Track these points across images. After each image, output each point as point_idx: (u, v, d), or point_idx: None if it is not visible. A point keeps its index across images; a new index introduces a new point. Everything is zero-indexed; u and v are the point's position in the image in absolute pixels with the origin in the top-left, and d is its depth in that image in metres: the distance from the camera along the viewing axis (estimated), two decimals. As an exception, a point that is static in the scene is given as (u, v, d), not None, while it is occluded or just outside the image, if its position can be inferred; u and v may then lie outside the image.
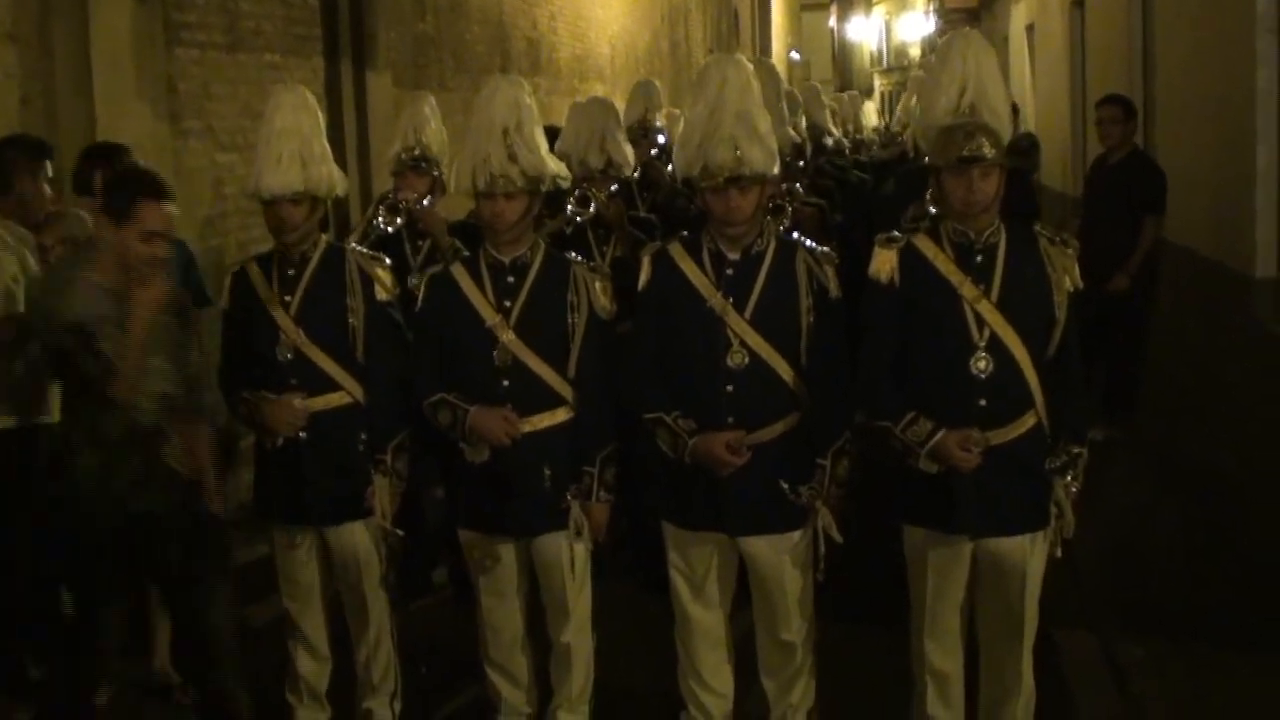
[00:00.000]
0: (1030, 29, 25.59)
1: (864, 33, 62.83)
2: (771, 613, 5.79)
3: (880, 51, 62.40)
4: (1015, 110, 17.27)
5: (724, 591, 5.89)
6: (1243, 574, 7.45)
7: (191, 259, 6.27)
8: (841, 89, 43.15)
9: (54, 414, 6.57)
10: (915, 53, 53.65)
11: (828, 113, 13.89)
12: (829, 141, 13.16)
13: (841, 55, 61.05)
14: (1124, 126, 10.68)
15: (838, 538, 5.59)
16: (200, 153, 9.43)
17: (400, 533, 6.11)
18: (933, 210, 5.64)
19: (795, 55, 47.36)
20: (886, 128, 22.59)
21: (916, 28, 53.63)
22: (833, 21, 59.55)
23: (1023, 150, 15.14)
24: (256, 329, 6.02)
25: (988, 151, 5.20)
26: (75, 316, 5.30)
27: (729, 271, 5.57)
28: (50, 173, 6.88)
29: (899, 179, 9.32)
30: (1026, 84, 25.19)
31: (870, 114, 21.94)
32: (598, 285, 5.82)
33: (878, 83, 59.62)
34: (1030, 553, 5.41)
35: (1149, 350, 10.52)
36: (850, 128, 17.19)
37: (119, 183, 5.59)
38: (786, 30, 47.12)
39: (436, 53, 13.81)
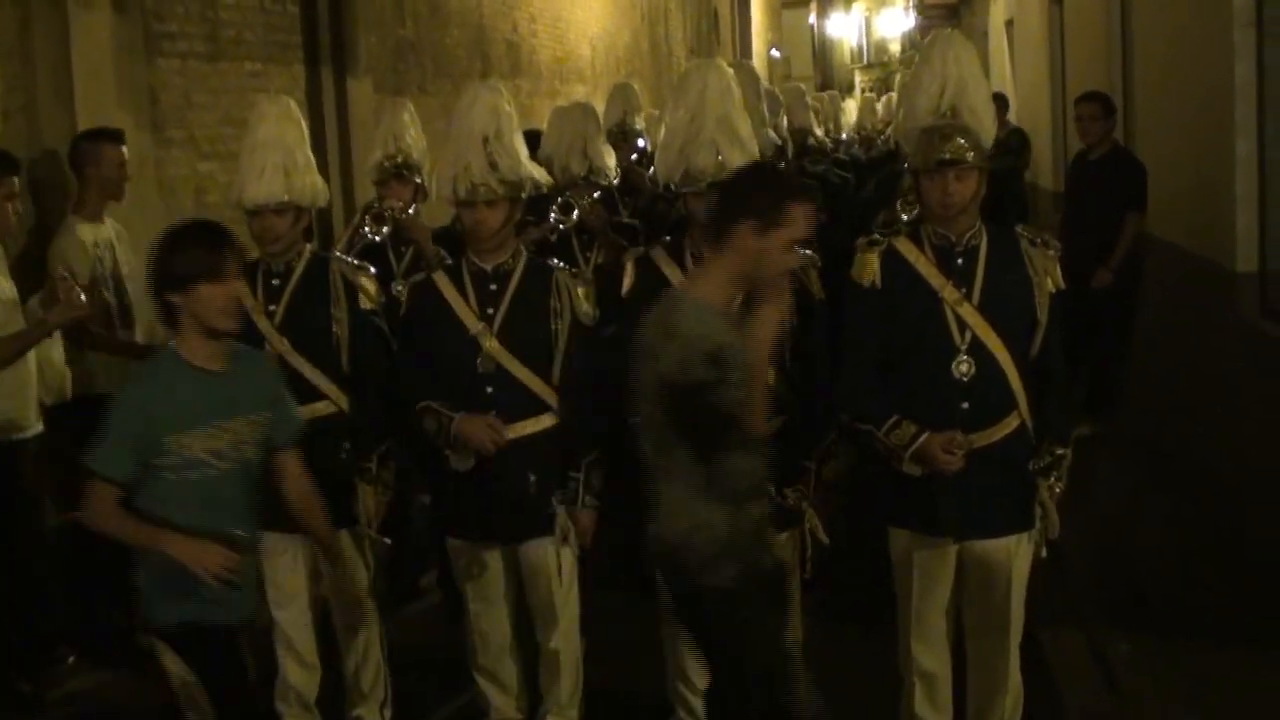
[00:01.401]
0: (1009, 24, 25.58)
1: (844, 29, 62.77)
2: (759, 615, 5.80)
3: (860, 48, 62.41)
4: (1005, 103, 17.31)
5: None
6: (1231, 568, 7.47)
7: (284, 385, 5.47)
8: (822, 86, 43.10)
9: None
10: (895, 49, 53.72)
11: (811, 114, 13.89)
12: (811, 141, 13.16)
13: (822, 52, 60.91)
14: (1103, 123, 10.72)
15: (824, 539, 5.62)
16: (182, 162, 9.42)
17: (387, 540, 6.13)
18: (904, 217, 5.64)
19: (776, 53, 47.26)
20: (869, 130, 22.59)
21: (896, 24, 53.67)
22: (813, 19, 59.44)
23: (1012, 149, 15.09)
24: (241, 339, 6.02)
25: (967, 155, 5.22)
26: (713, 345, 4.48)
27: (712, 276, 5.58)
28: (18, 188, 6.90)
29: (879, 183, 9.35)
30: (1007, 79, 25.17)
31: (851, 112, 21.90)
32: (580, 291, 5.84)
33: (858, 79, 59.61)
34: (1015, 554, 5.42)
35: (1133, 345, 10.55)
36: (831, 126, 17.19)
37: (762, 183, 4.80)
38: (767, 28, 47.01)
39: (416, 57, 13.80)
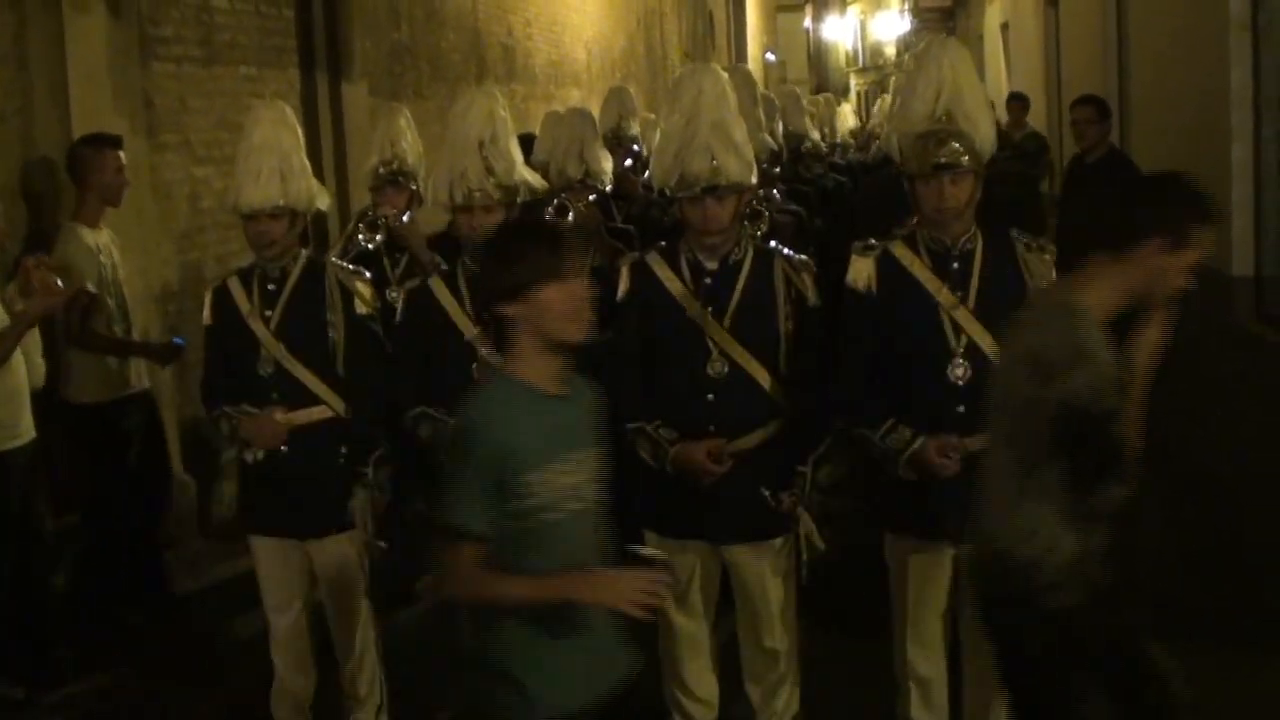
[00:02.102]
0: (1005, 28, 25.64)
1: (839, 33, 62.85)
2: (755, 620, 5.80)
3: (856, 51, 62.45)
4: (1025, 103, 17.26)
5: (707, 600, 5.89)
6: (1230, 571, 7.47)
7: None
8: (817, 89, 43.10)
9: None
10: (890, 52, 53.73)
11: (808, 118, 13.86)
12: (807, 145, 13.14)
13: (817, 55, 60.97)
14: (1099, 126, 10.74)
15: (820, 544, 5.61)
16: (177, 166, 9.42)
17: (382, 544, 6.12)
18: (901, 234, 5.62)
19: (771, 56, 47.28)
20: (863, 129, 22.58)
21: (891, 27, 53.69)
22: (808, 22, 59.48)
23: (1029, 154, 14.98)
24: (237, 344, 6.03)
25: (962, 159, 5.22)
26: (1118, 371, 4.29)
27: (707, 281, 5.59)
28: None
29: (869, 184, 9.36)
30: (1002, 83, 25.22)
31: (847, 116, 21.92)
32: (576, 296, 5.83)
33: (853, 82, 59.67)
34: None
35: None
36: (826, 130, 17.19)
37: (1178, 200, 4.47)
38: (762, 31, 47.06)
39: (412, 61, 13.81)
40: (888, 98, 22.79)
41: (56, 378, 7.39)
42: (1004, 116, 17.40)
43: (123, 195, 7.73)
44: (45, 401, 7.17)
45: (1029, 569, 4.40)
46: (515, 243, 4.20)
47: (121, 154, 7.66)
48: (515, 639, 4.10)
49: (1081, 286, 4.44)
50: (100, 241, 7.56)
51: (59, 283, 6.58)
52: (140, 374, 7.82)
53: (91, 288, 7.39)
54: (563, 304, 4.06)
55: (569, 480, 4.12)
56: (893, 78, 29.29)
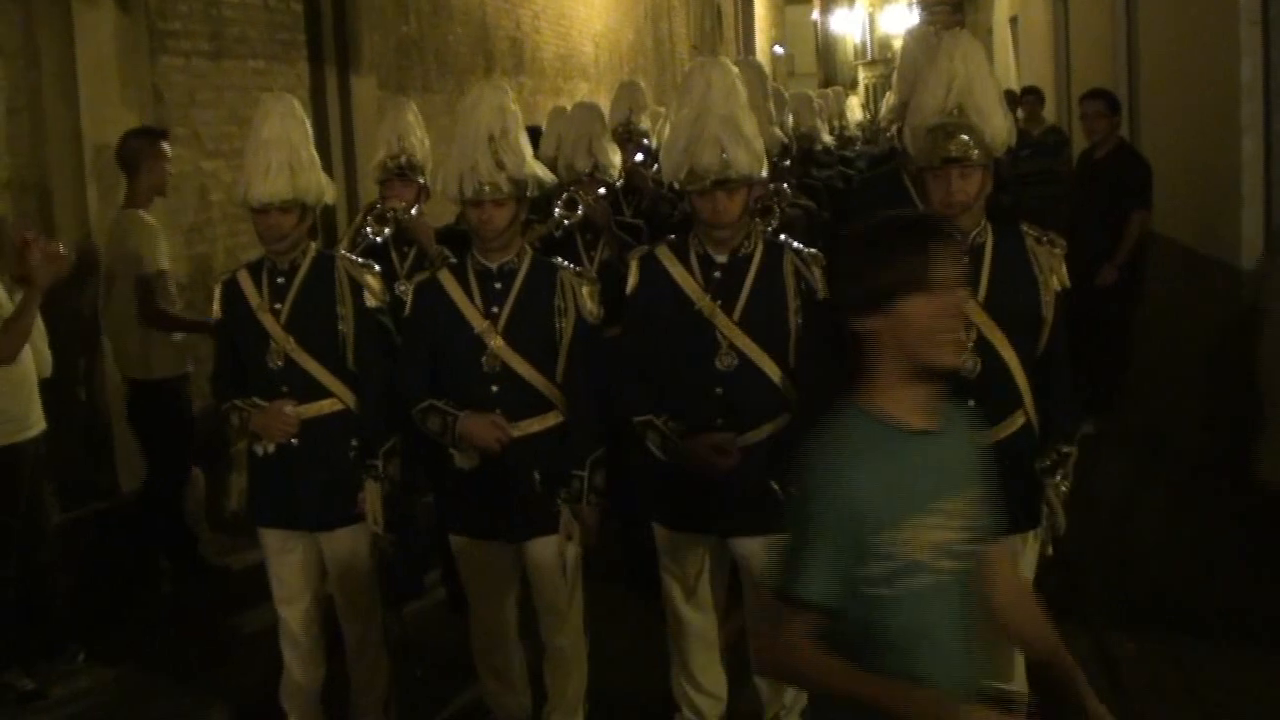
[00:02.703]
0: (1014, 21, 25.58)
1: (847, 25, 62.75)
2: (764, 614, 5.80)
3: (864, 44, 62.38)
4: (1040, 98, 17.20)
5: (716, 593, 5.90)
6: (1234, 568, 7.46)
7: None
8: (825, 83, 43.11)
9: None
10: (898, 45, 53.69)
11: (819, 120, 13.81)
12: (819, 147, 13.09)
13: (825, 48, 60.94)
14: (1109, 120, 10.73)
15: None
16: (186, 160, 9.42)
17: (391, 537, 6.14)
18: None
19: (779, 49, 47.34)
20: (872, 121, 22.57)
21: (900, 20, 53.61)
22: (816, 15, 59.43)
23: (1049, 150, 14.84)
24: (247, 337, 6.04)
25: (971, 153, 5.20)
26: None
27: (717, 274, 5.58)
28: None
29: (862, 184, 9.35)
30: (1011, 76, 25.17)
31: (854, 109, 21.87)
32: (585, 290, 5.84)
33: (861, 75, 59.61)
34: (1020, 552, 5.38)
35: (1135, 342, 10.53)
36: (836, 122, 17.16)
37: None
38: (770, 24, 47.08)
39: (420, 55, 13.80)
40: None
41: (119, 359, 7.87)
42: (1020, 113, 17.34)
43: (167, 184, 8.16)
44: (107, 382, 7.33)
45: None
46: (878, 243, 3.48)
47: (166, 146, 8.03)
48: None
49: None
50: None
51: (61, 249, 6.61)
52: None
53: (165, 264, 7.62)
54: (930, 319, 3.37)
55: (939, 536, 3.45)
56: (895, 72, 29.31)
